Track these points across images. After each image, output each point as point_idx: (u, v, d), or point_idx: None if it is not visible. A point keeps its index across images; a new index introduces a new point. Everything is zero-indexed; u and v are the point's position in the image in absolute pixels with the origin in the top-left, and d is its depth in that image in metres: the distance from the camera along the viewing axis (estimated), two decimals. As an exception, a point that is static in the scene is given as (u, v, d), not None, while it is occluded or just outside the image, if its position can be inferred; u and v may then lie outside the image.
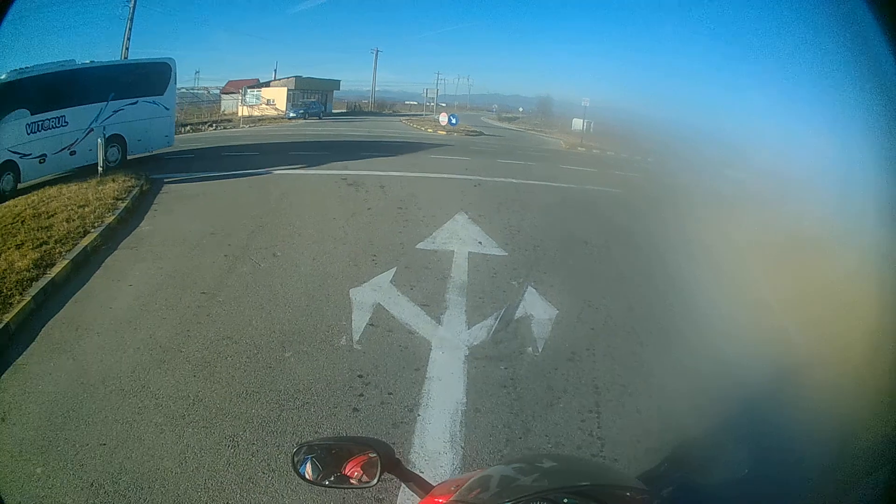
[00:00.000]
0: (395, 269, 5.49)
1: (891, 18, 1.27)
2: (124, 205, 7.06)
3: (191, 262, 5.56)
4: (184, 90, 12.16)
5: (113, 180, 7.90)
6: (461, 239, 6.55)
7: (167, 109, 10.37)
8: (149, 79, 9.97)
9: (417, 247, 6.21)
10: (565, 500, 0.97)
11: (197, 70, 12.46)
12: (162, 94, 10.15)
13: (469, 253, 6.04)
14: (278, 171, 9.57)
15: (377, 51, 13.55)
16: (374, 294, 4.96)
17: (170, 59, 10.35)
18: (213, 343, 4.08)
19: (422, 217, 7.34)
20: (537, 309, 4.80)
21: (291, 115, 13.11)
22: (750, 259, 6.42)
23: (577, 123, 14.24)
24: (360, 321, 4.45)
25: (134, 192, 7.61)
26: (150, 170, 9.05)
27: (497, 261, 5.89)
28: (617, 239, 6.91)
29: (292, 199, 8.00)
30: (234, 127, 12.75)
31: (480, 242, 6.43)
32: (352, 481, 1.24)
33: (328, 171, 9.68)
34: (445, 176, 9.95)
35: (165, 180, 8.66)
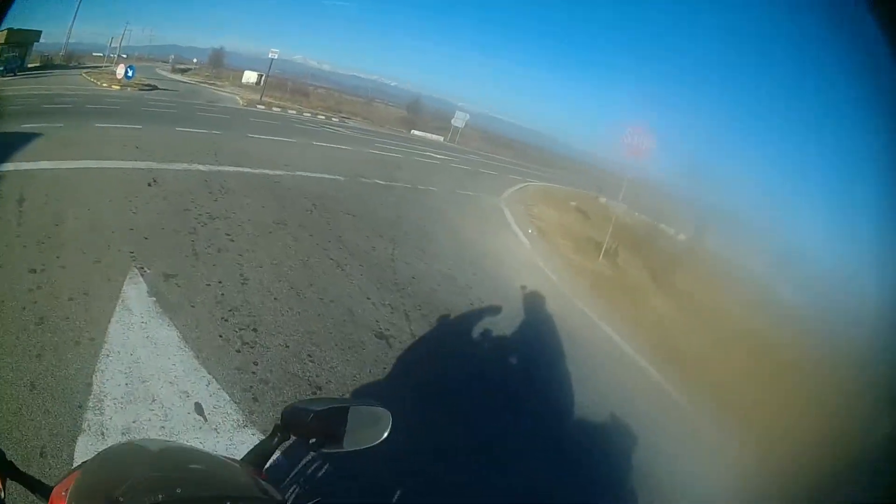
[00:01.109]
0: None
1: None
2: None
3: None
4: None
5: None
6: (156, 396, 3.08)
7: None
8: None
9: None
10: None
11: (-34, 22, 9.35)
12: None
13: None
14: None
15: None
16: None
17: None
18: None
19: (68, 296, 3.90)
20: None
21: None
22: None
23: (250, 76, 13.97)
24: None
25: None
26: None
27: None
28: (420, 324, 5.02)
29: None
30: (-49, 87, 10.59)
31: (201, 407, 3.12)
32: None
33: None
34: (109, 165, 6.94)
35: None
